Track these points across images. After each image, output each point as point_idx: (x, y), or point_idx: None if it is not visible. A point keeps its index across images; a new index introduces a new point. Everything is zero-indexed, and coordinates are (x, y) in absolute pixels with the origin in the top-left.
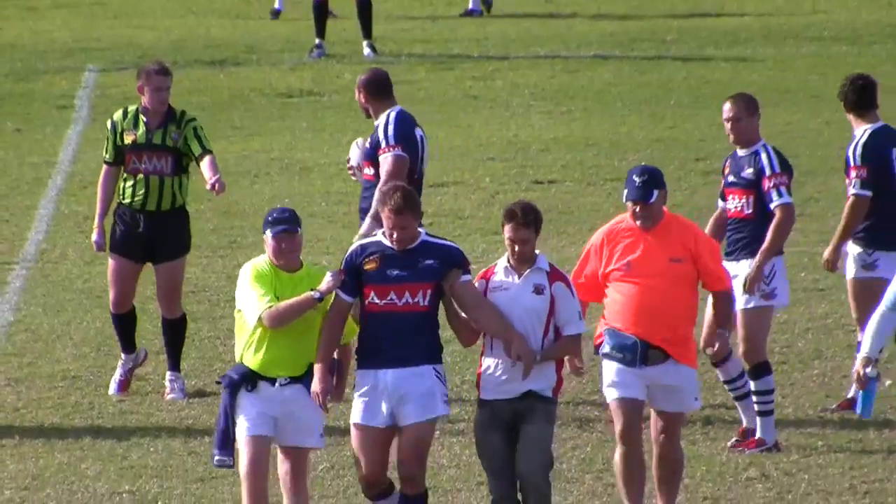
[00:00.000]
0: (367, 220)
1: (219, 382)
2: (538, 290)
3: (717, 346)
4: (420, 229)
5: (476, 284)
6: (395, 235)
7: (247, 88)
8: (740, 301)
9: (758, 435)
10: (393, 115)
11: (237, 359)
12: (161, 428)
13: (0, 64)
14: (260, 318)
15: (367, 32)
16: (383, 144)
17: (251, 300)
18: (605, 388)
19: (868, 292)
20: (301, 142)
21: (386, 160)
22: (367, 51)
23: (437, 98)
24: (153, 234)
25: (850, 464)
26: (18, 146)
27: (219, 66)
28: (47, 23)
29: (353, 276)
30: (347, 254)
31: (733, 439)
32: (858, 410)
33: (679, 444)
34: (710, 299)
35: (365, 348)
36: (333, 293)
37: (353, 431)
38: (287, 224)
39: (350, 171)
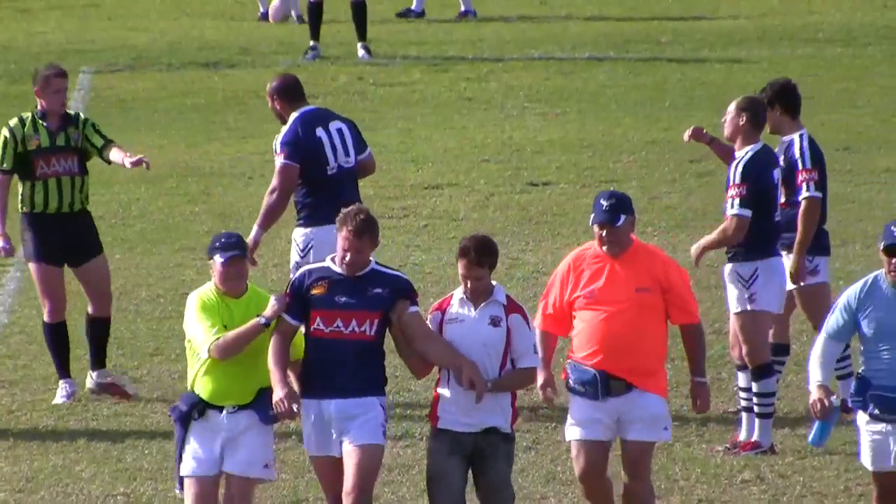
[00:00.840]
0: (255, 227)
1: (170, 415)
2: (494, 323)
3: (698, 401)
4: (370, 258)
5: (431, 316)
6: (347, 258)
7: (241, 90)
8: (732, 305)
9: (754, 437)
10: (291, 119)
11: (188, 387)
12: (156, 431)
13: None
14: (209, 351)
15: (362, 34)
16: (275, 151)
17: (199, 332)
18: (567, 427)
19: (817, 298)
20: None
21: (276, 167)
22: (361, 52)
23: (431, 100)
24: (72, 237)
25: (844, 466)
26: None
27: (213, 68)
28: (41, 24)
29: (299, 300)
30: (294, 277)
31: (725, 446)
32: (814, 441)
33: (648, 481)
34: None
35: (309, 375)
36: (279, 317)
37: (313, 464)
38: (236, 249)
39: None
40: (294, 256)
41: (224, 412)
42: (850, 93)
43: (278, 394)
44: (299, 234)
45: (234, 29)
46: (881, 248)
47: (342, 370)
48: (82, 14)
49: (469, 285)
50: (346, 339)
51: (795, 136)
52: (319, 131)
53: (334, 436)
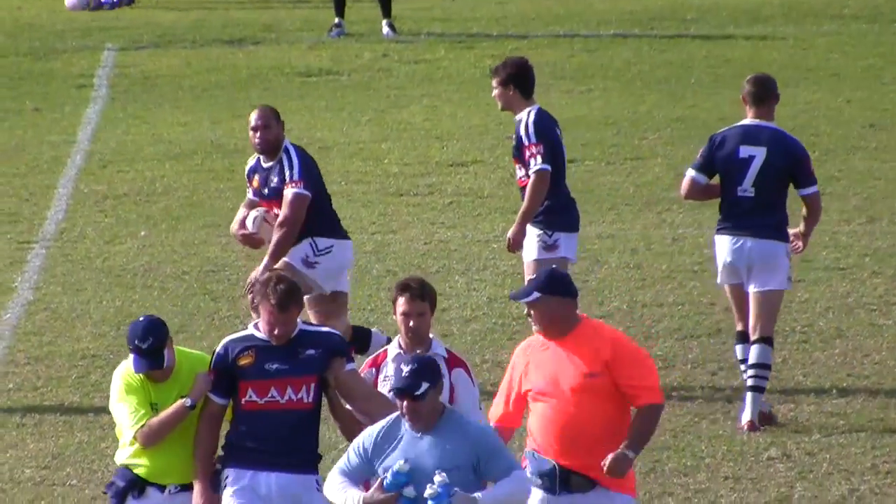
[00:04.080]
0: (267, 260)
1: (105, 492)
2: None
3: (612, 465)
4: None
5: (365, 373)
6: (276, 332)
7: (265, 68)
8: (771, 283)
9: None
10: (289, 147)
11: (119, 462)
12: None
13: (19, 43)
14: (135, 438)
15: (387, 11)
16: (287, 178)
17: (124, 417)
18: None
19: None
20: (320, 121)
21: (287, 198)
22: (386, 30)
23: (456, 77)
24: None
25: (871, 443)
26: (37, 125)
27: (237, 45)
28: (66, 1)
29: (224, 376)
30: (216, 351)
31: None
32: None
33: None
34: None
35: (239, 446)
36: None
37: None
38: (150, 360)
39: (241, 239)
40: (304, 254)
41: (167, 492)
42: (876, 69)
43: (197, 499)
44: (319, 237)
45: (258, 6)
46: None
47: (280, 442)
48: None
49: (411, 324)
50: (282, 409)
51: (523, 113)
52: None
53: None
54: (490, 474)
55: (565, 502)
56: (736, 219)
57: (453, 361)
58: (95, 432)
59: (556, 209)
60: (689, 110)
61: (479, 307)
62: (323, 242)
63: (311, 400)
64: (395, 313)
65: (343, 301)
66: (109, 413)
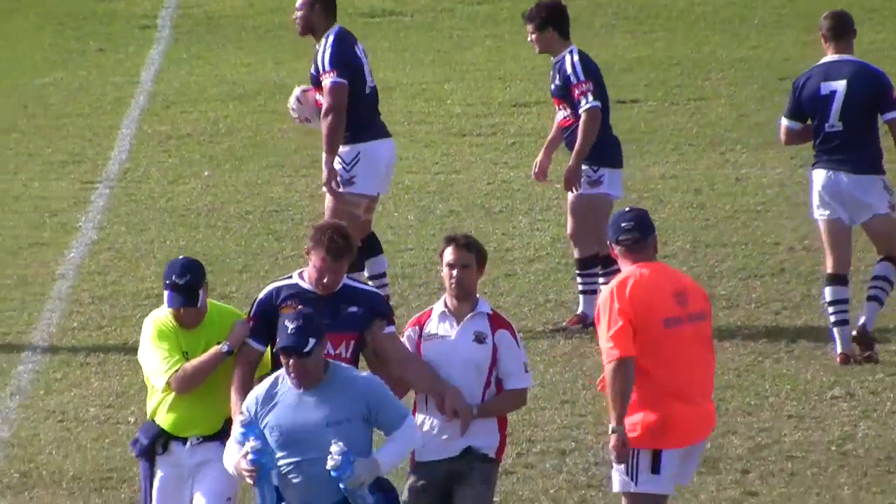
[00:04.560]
0: (324, 156)
1: (131, 450)
2: (479, 339)
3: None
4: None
5: (409, 332)
6: (325, 280)
7: None
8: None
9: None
10: (329, 36)
11: (148, 415)
12: None
13: None
14: (168, 384)
15: None
16: (322, 70)
17: (156, 364)
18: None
19: (591, 209)
20: (383, 62)
21: (325, 87)
22: None
23: (518, 17)
24: None
25: None
26: (101, 66)
27: None
28: None
29: (265, 322)
30: (260, 296)
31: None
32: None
33: None
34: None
35: None
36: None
37: None
38: (186, 296)
39: (297, 122)
40: (339, 175)
41: (188, 444)
42: None
43: (237, 450)
44: (343, 150)
45: None
46: None
47: None
48: None
49: (455, 274)
50: None
51: (565, 53)
52: (358, 49)
53: None
54: (382, 424)
55: None
56: (828, 154)
57: (498, 322)
58: None
59: (601, 145)
60: (752, 51)
61: (542, 247)
62: (348, 154)
63: (348, 356)
64: (441, 266)
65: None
66: None
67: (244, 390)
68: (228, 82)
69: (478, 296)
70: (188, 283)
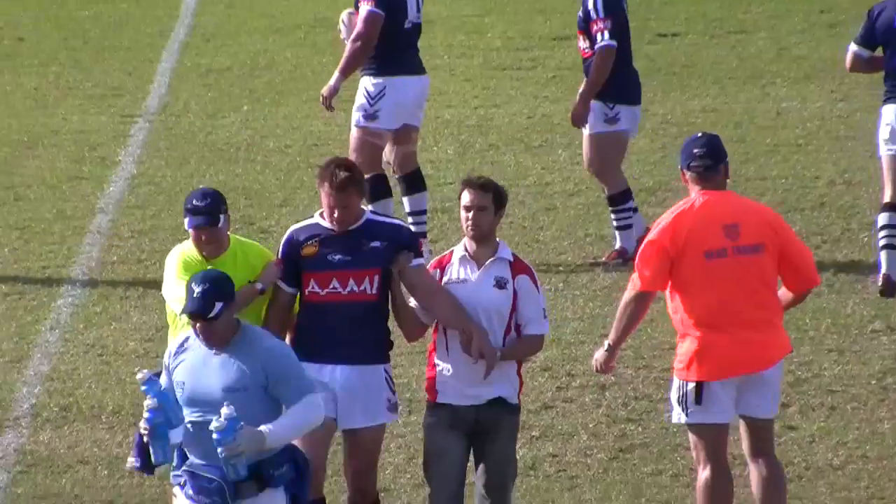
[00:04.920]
0: (336, 73)
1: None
2: (500, 285)
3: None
4: (365, 207)
5: (430, 273)
6: (335, 215)
7: None
8: None
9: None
10: None
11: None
12: None
13: None
14: None
15: None
16: None
17: (182, 292)
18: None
19: (609, 146)
20: None
21: (360, 14)
22: None
23: None
24: None
25: None
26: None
27: None
28: None
29: (291, 265)
30: (283, 240)
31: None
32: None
33: None
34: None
35: (306, 341)
36: (274, 286)
37: None
38: (205, 216)
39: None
40: (361, 104)
41: None
42: None
43: None
44: (370, 82)
45: None
46: None
47: (344, 335)
48: None
49: (471, 216)
50: (344, 300)
51: None
52: None
53: (334, 403)
54: (281, 396)
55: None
56: None
57: (518, 267)
58: None
59: (618, 82)
60: None
61: (582, 181)
62: (375, 87)
63: (374, 291)
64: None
65: (408, 135)
66: None
67: (276, 332)
68: (268, 16)
69: (498, 239)
70: (208, 206)
